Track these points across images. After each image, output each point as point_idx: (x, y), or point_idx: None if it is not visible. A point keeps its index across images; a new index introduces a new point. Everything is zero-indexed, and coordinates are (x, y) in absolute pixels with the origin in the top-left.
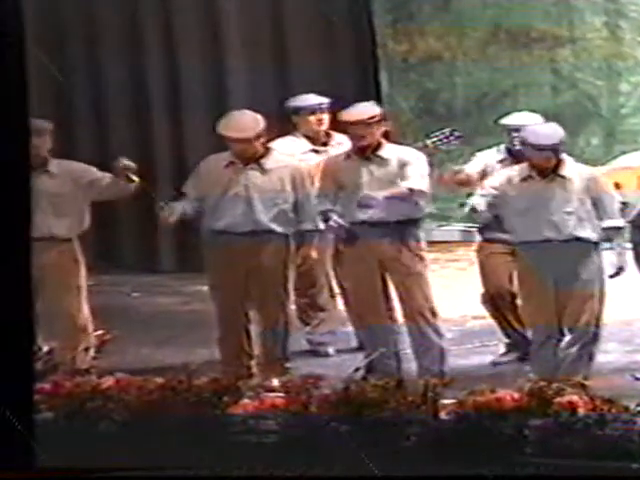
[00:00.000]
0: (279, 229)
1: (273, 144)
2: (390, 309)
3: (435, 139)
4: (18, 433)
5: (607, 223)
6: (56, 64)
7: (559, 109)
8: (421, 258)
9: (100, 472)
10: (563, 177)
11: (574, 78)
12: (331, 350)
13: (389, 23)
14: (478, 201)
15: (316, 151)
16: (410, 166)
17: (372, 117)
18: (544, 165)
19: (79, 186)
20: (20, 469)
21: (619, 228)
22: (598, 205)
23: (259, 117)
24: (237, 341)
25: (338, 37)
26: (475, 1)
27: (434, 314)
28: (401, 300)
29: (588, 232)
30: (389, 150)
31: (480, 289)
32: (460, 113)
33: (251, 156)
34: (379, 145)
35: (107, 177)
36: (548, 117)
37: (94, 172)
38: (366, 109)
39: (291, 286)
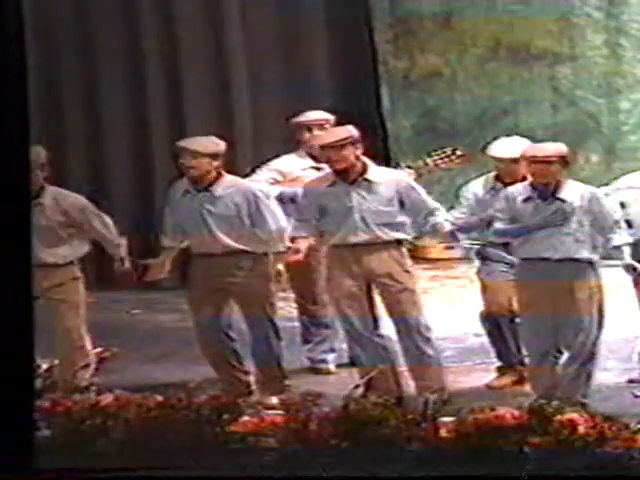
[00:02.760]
0: (249, 249)
1: (275, 161)
2: (376, 327)
3: (436, 158)
4: (18, 436)
5: (611, 242)
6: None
7: (559, 126)
8: (411, 275)
9: (99, 473)
10: (562, 200)
11: (574, 95)
12: (332, 367)
13: (390, 39)
14: (500, 225)
15: (317, 168)
16: (413, 194)
17: (341, 140)
18: (543, 183)
19: (70, 217)
20: (20, 471)
21: (619, 246)
22: (600, 224)
23: (216, 141)
24: (225, 361)
25: (339, 53)
26: (476, 18)
27: (428, 329)
28: (393, 317)
29: (585, 252)
30: (376, 173)
31: (480, 306)
32: (461, 130)
33: (201, 182)
34: (364, 169)
35: (97, 224)
36: (548, 134)
37: (86, 210)
38: (335, 132)
39: (275, 302)
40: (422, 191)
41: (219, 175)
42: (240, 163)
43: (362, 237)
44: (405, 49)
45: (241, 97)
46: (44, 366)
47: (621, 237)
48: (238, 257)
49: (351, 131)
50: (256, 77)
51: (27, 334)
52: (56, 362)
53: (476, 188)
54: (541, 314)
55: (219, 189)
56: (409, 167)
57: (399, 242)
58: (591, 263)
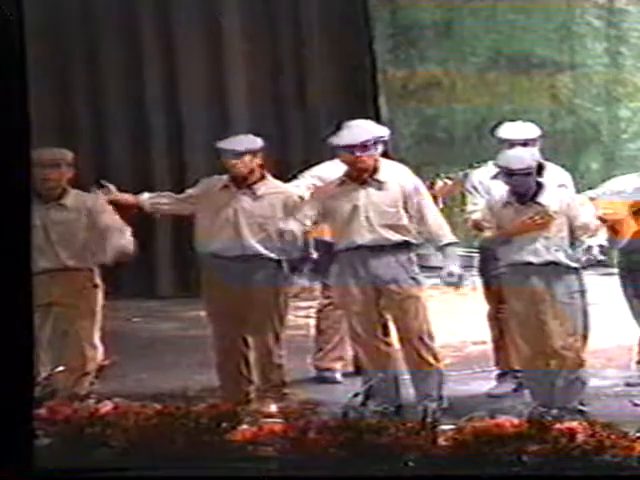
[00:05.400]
0: (269, 255)
1: (317, 167)
2: (387, 334)
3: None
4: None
5: (589, 242)
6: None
7: (559, 135)
8: (417, 281)
9: (99, 472)
10: (540, 204)
11: (574, 104)
12: (338, 376)
13: (389, 49)
14: (479, 215)
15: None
16: (418, 198)
17: (366, 141)
18: (519, 191)
19: (92, 219)
20: (20, 470)
21: (601, 246)
22: (578, 226)
23: (258, 139)
24: (235, 367)
25: (338, 63)
26: (476, 27)
27: (431, 337)
28: (397, 324)
29: (566, 256)
30: (386, 173)
31: (479, 314)
32: (460, 139)
33: (246, 180)
34: (376, 168)
35: (111, 231)
36: (548, 143)
37: (105, 216)
38: (359, 133)
39: (284, 312)
40: (427, 197)
41: (263, 176)
42: None
43: (367, 238)
44: (404, 59)
45: (238, 103)
46: (44, 374)
47: (596, 239)
48: (255, 262)
49: (371, 132)
50: (254, 84)
51: (27, 342)
52: (59, 369)
53: (480, 176)
54: (527, 318)
55: (262, 188)
56: (448, 178)
57: (407, 247)
58: (573, 268)
